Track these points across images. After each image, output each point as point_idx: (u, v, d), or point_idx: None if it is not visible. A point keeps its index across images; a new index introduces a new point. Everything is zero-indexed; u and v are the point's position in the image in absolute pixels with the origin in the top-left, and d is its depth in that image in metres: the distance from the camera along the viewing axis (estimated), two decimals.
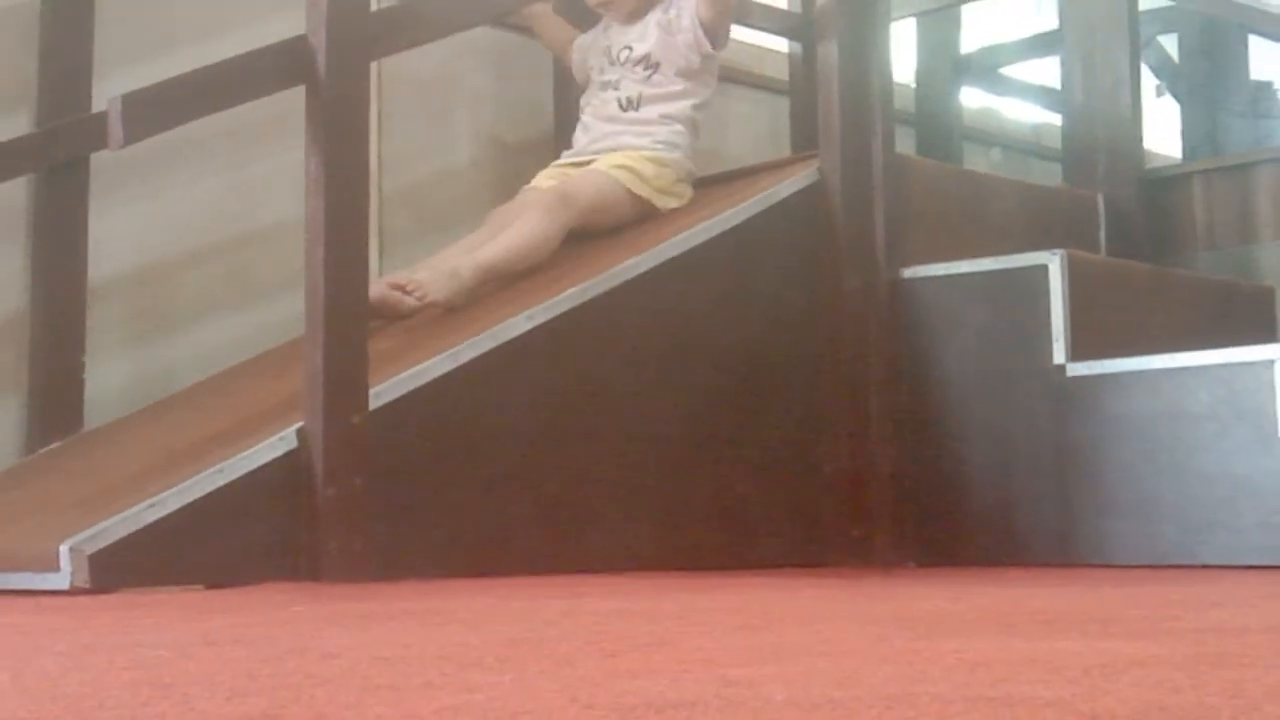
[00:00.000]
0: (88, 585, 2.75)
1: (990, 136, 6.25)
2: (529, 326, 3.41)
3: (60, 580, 2.76)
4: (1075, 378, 3.69)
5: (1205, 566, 3.45)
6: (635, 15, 4.23)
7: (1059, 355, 3.72)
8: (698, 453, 3.68)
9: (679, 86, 4.15)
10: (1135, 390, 3.60)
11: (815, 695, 1.19)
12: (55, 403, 3.67)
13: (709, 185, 4.28)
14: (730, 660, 1.50)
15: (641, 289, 3.61)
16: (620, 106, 4.15)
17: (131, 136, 3.05)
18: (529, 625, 2.03)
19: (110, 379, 3.81)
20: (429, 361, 3.27)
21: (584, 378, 3.51)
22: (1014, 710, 1.09)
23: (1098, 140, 4.74)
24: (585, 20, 4.47)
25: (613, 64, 4.22)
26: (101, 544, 2.78)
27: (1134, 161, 4.73)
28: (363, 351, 3.12)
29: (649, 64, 4.16)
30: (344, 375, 3.08)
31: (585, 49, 4.35)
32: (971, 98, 6.04)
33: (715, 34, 4.17)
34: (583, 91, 4.33)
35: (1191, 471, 3.51)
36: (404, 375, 3.22)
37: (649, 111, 4.13)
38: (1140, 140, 4.77)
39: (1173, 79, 5.91)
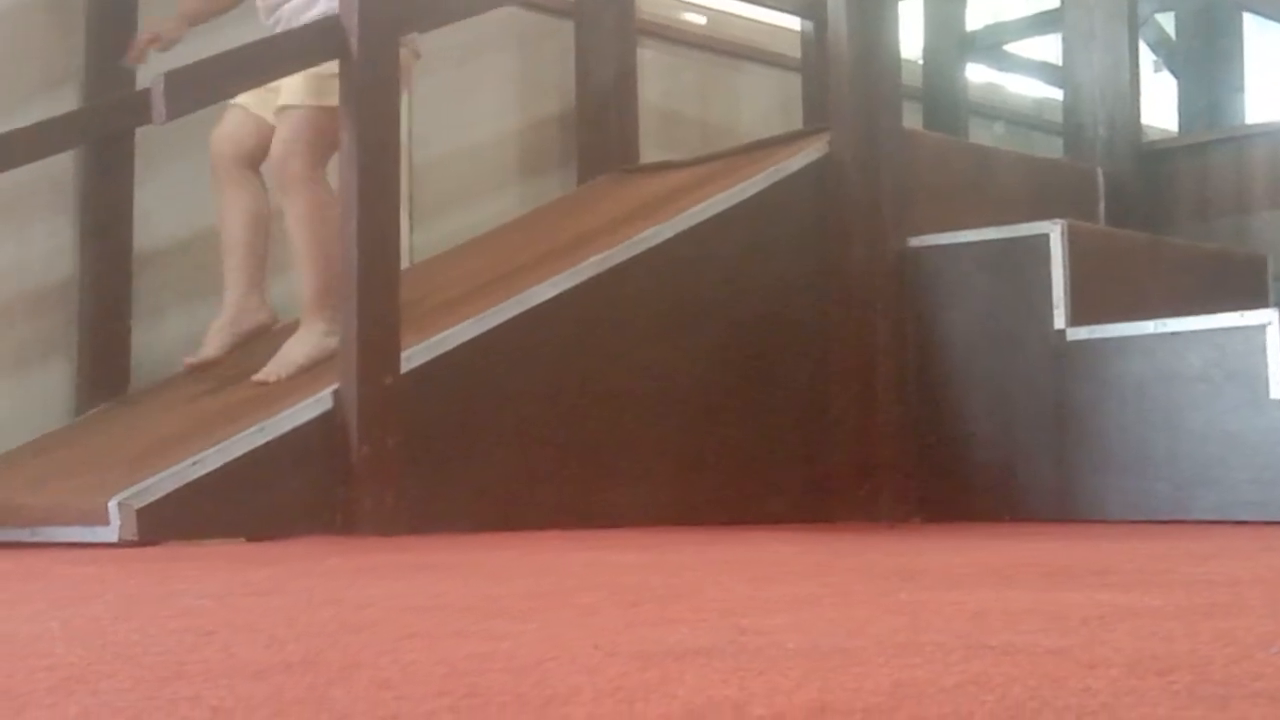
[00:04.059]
0: (135, 538, 2.88)
1: (994, 111, 6.31)
2: (553, 293, 3.54)
3: (109, 534, 2.90)
4: (1075, 342, 3.78)
5: (1198, 521, 3.52)
6: None
7: (1059, 320, 3.80)
8: (712, 413, 3.80)
9: None
10: (1131, 353, 3.69)
11: (825, 644, 1.22)
12: (103, 365, 3.78)
13: (723, 158, 4.38)
14: (744, 610, 1.54)
15: (659, 258, 3.72)
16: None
17: (174, 111, 3.17)
18: (553, 577, 2.11)
19: (155, 343, 3.91)
20: (457, 326, 3.40)
21: (604, 342, 3.63)
22: (1015, 659, 1.11)
23: (1097, 114, 4.78)
24: None
25: None
26: (148, 499, 2.92)
27: (1132, 135, 4.78)
28: (394, 317, 3.25)
29: None
30: (376, 340, 3.21)
31: None
32: (976, 74, 6.10)
33: None
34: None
35: (1184, 430, 3.60)
36: (434, 339, 3.35)
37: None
38: (1138, 115, 4.82)
39: (1170, 55, 5.95)
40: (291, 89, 3.51)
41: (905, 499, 3.95)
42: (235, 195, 3.62)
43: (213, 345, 3.59)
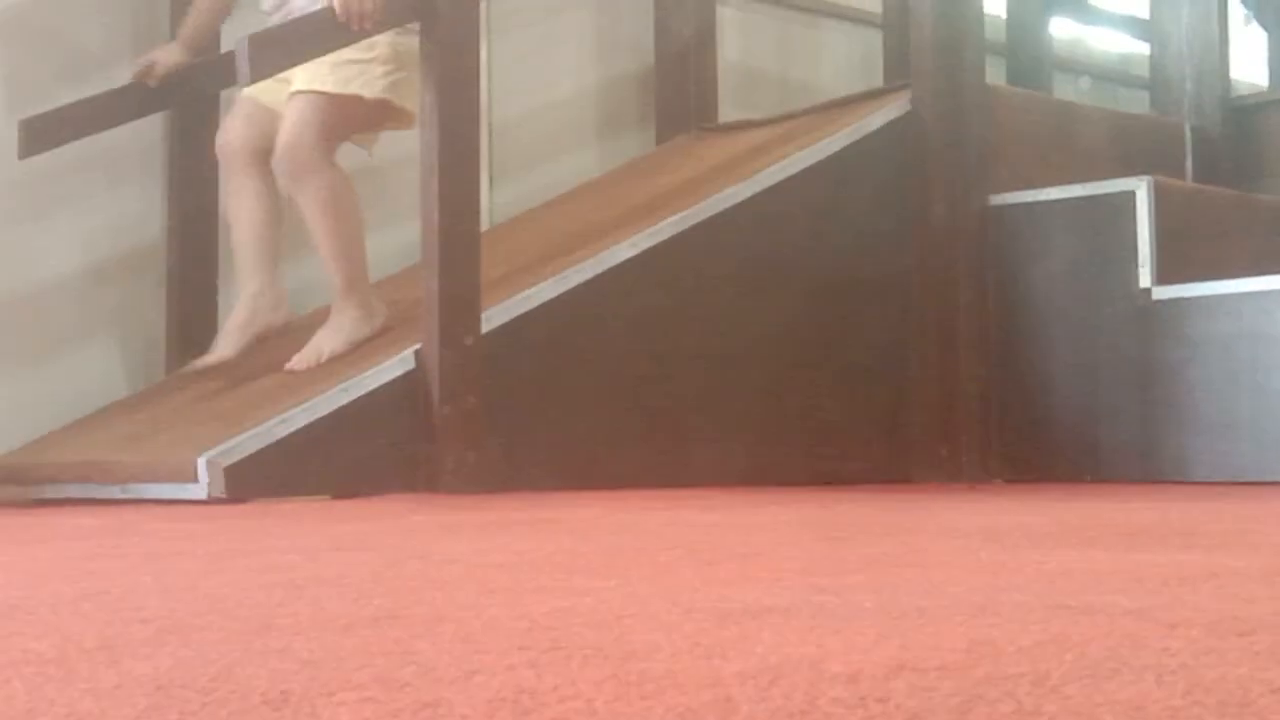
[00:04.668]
0: (223, 495, 2.95)
1: (1079, 65, 6.20)
2: (633, 253, 3.55)
3: (198, 491, 2.96)
4: (1160, 301, 3.74)
5: None
6: None
7: (1145, 279, 3.77)
8: (791, 373, 3.80)
9: None
10: (1218, 313, 3.65)
11: (903, 604, 1.22)
12: (191, 325, 3.81)
13: (803, 116, 4.36)
14: (821, 570, 1.54)
15: (739, 217, 3.72)
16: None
17: (258, 74, 3.22)
18: (633, 535, 2.13)
19: None
20: (537, 286, 3.43)
21: (684, 301, 3.64)
22: (1094, 619, 1.11)
23: (1185, 69, 4.71)
24: None
25: None
26: (236, 457, 2.99)
27: (1221, 89, 4.71)
28: (475, 277, 3.28)
29: None
30: (458, 299, 3.25)
31: None
32: (1061, 27, 6.02)
33: None
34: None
35: (1271, 391, 3.56)
36: (514, 299, 3.38)
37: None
38: (1227, 68, 4.75)
39: (1260, 7, 5.83)
40: (306, 75, 3.42)
41: (986, 459, 3.95)
42: (245, 189, 3.52)
43: (226, 346, 3.50)
